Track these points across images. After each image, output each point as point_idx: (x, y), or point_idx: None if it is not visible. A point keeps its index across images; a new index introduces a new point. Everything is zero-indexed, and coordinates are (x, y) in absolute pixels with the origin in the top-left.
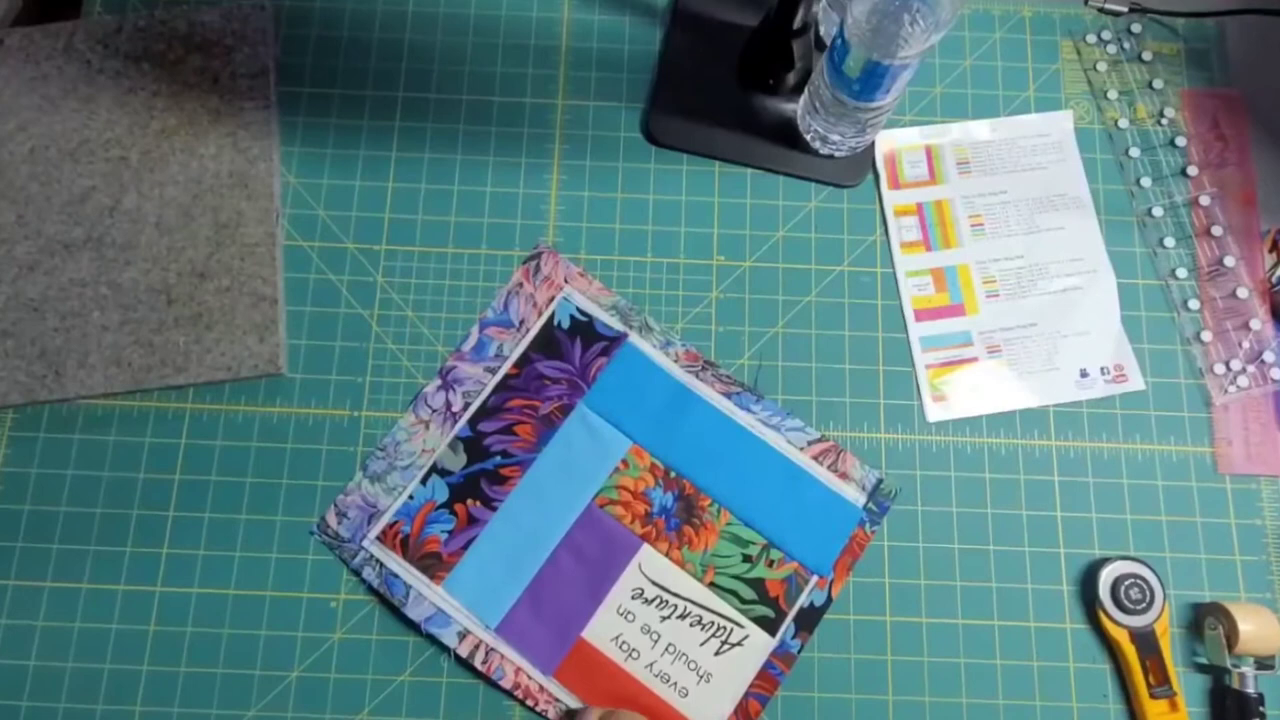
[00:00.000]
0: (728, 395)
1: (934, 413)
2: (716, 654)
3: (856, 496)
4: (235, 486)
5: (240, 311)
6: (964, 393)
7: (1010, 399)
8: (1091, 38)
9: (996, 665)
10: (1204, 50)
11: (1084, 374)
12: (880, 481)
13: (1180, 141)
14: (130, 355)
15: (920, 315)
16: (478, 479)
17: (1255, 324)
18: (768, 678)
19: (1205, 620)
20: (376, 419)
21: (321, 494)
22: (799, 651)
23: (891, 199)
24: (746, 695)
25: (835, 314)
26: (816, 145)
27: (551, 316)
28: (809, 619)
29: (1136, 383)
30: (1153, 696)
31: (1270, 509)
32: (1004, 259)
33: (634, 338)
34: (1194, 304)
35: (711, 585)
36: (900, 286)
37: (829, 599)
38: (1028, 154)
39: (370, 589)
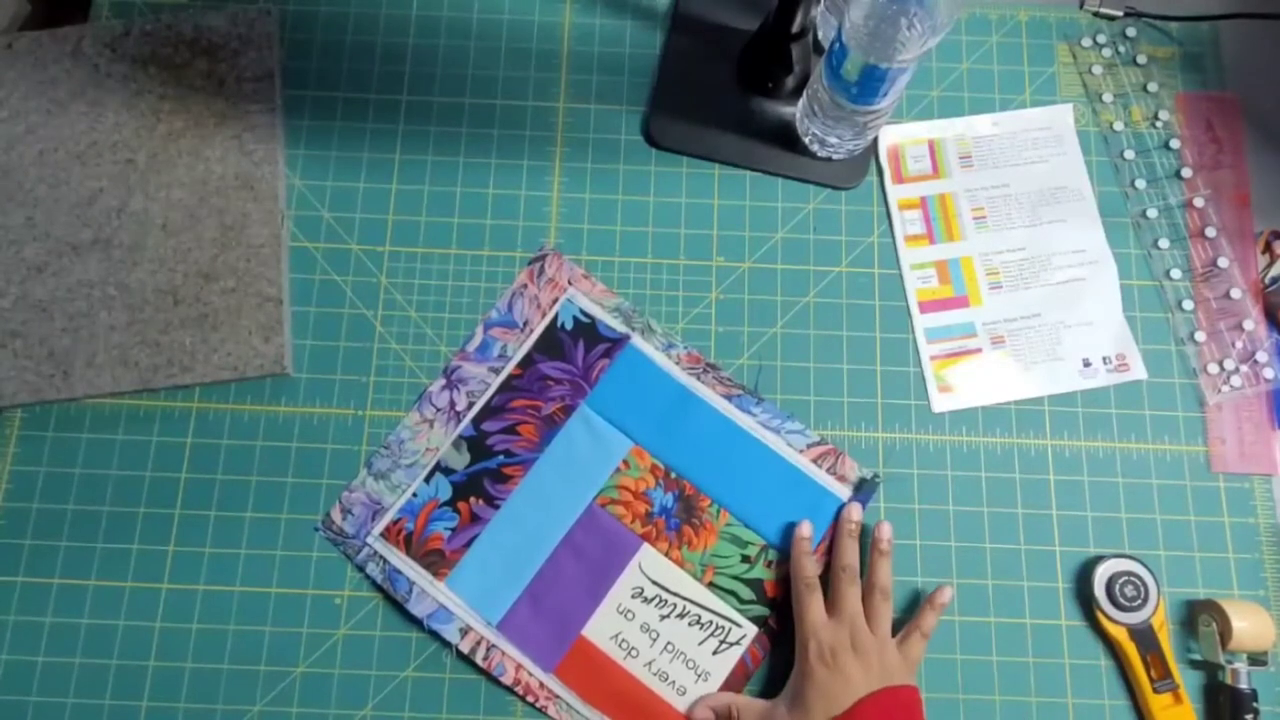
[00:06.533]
0: (729, 398)
1: (940, 404)
2: (715, 653)
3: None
4: (241, 485)
5: (246, 312)
6: (969, 383)
7: (1015, 389)
8: (1087, 41)
9: (993, 661)
10: (1198, 54)
11: (1087, 363)
12: (864, 480)
13: (1175, 144)
14: (137, 355)
15: (925, 307)
16: (481, 478)
17: (1248, 324)
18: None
19: (1199, 617)
20: (380, 418)
21: (326, 492)
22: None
23: (895, 193)
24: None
25: (833, 314)
26: (815, 148)
27: (555, 318)
28: None
29: (1139, 372)
30: (1156, 691)
31: (1263, 507)
32: (1007, 251)
33: (636, 340)
34: (1188, 304)
35: (711, 585)
36: (905, 279)
37: None
38: (1029, 147)
39: (374, 585)
